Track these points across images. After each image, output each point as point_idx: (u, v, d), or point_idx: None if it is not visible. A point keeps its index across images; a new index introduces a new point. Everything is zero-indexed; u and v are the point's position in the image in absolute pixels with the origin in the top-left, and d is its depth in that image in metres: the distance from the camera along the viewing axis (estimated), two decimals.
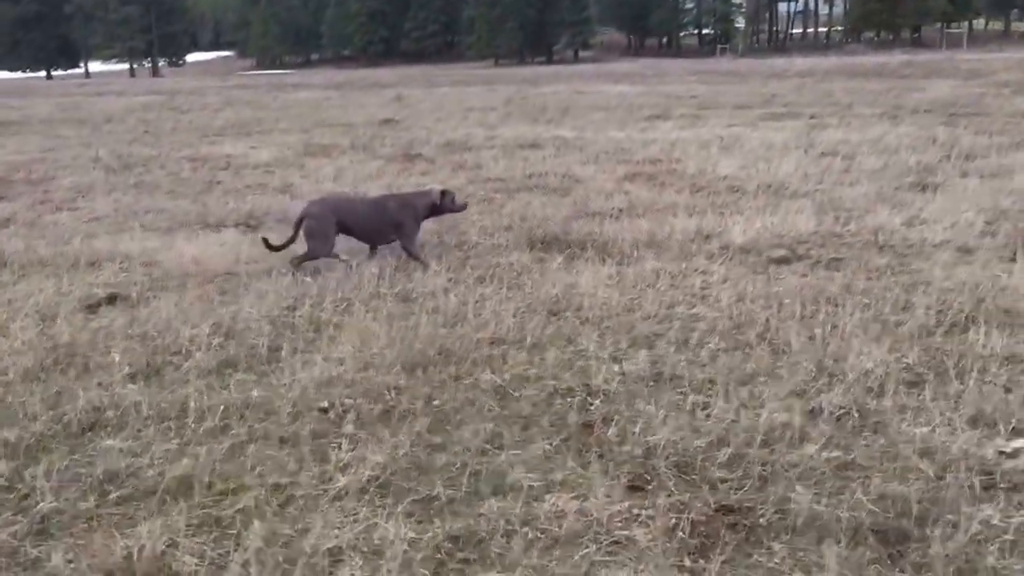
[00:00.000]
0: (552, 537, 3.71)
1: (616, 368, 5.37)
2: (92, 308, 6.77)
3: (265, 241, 7.82)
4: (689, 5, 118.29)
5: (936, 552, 3.50)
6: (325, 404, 4.95)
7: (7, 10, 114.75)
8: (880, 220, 9.06)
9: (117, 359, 5.57)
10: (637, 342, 5.82)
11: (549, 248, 8.35)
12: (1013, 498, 3.90)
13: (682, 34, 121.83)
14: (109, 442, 4.56)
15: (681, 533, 3.69)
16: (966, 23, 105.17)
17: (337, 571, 3.51)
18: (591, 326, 6.15)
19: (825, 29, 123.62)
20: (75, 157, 16.95)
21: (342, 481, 4.15)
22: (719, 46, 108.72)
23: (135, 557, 3.54)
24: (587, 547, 3.63)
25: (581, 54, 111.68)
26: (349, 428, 4.67)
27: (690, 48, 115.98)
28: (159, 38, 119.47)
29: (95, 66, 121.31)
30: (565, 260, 7.88)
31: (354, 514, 3.89)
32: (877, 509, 3.81)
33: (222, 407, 4.88)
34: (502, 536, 3.71)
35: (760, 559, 3.55)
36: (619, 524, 3.78)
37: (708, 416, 4.71)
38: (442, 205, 8.07)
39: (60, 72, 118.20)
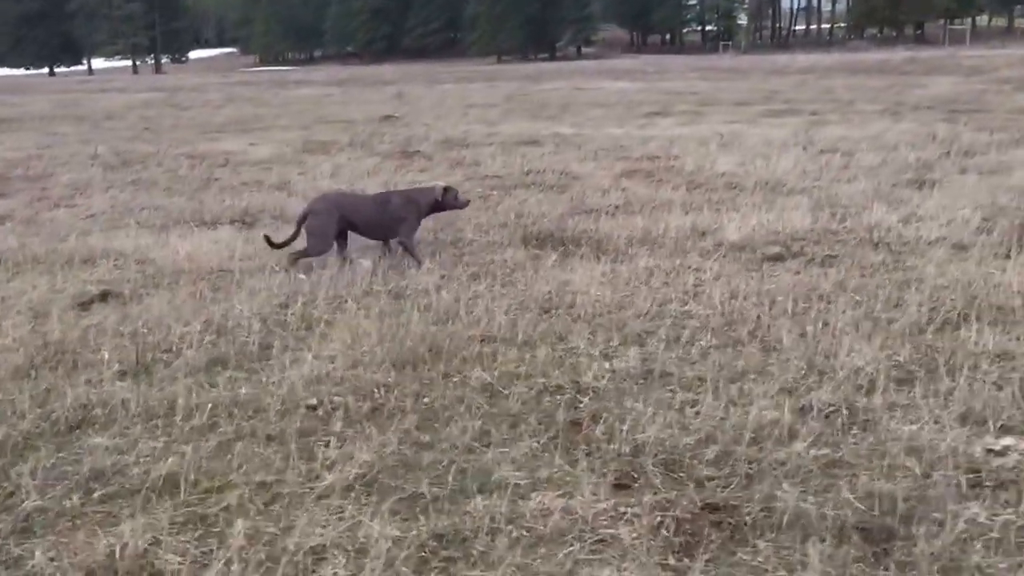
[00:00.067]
0: (537, 535, 3.69)
1: (607, 365, 5.36)
2: (85, 305, 6.76)
3: (267, 238, 7.81)
4: (692, 2, 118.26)
5: (921, 550, 3.48)
6: (314, 401, 4.95)
7: (10, 7, 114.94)
8: (876, 217, 9.03)
9: (107, 356, 5.56)
10: (628, 339, 5.81)
11: (544, 245, 8.34)
12: (1000, 496, 3.88)
13: (685, 30, 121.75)
14: (96, 440, 4.54)
15: (665, 531, 3.67)
16: (969, 19, 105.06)
17: (320, 569, 3.50)
18: (583, 323, 6.13)
19: (828, 25, 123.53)
20: (73, 154, 16.95)
21: (328, 479, 4.13)
22: (722, 43, 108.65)
23: (117, 555, 3.53)
24: (571, 545, 3.61)
25: (584, 51, 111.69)
26: (337, 426, 4.66)
27: (693, 45, 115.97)
28: (162, 35, 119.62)
29: (98, 63, 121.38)
30: (559, 257, 7.87)
31: (339, 512, 3.87)
32: (863, 507, 3.80)
33: (210, 405, 4.87)
34: (486, 534, 3.69)
35: (744, 557, 3.53)
36: (604, 522, 3.77)
37: (697, 414, 4.70)
38: (444, 202, 8.06)
39: (63, 69, 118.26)
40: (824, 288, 6.69)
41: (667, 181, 11.80)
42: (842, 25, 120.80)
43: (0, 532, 3.76)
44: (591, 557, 3.55)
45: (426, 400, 4.97)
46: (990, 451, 4.27)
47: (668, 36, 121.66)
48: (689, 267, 7.45)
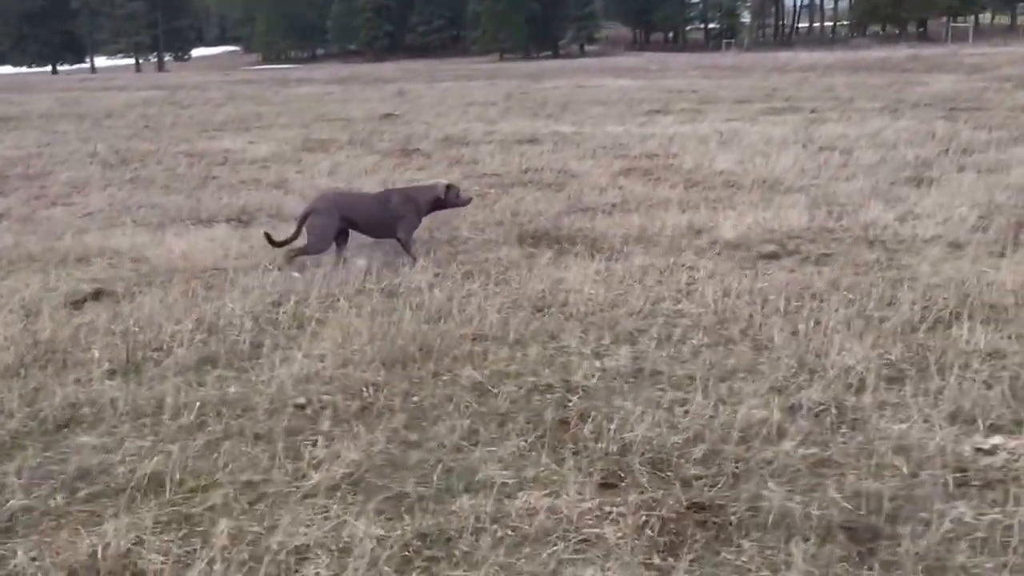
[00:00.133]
0: (521, 535, 3.68)
1: (597, 364, 5.35)
2: (77, 304, 6.75)
3: (267, 236, 7.80)
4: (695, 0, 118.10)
5: (906, 550, 3.47)
6: (302, 400, 4.94)
7: (13, 5, 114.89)
8: (873, 215, 9.01)
9: (97, 355, 5.56)
10: (620, 338, 5.80)
11: (539, 243, 8.33)
12: (987, 495, 3.87)
13: (688, 28, 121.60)
14: (83, 439, 4.54)
15: (650, 531, 3.66)
16: (972, 17, 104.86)
17: (303, 569, 3.49)
18: (575, 322, 6.13)
19: (831, 23, 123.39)
20: (73, 152, 16.93)
21: (315, 478, 4.13)
22: (724, 40, 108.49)
23: (100, 555, 3.52)
24: (555, 545, 3.60)
25: (587, 48, 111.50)
26: (325, 425, 4.66)
27: (696, 43, 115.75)
28: (165, 33, 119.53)
29: (101, 61, 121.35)
30: (554, 255, 7.86)
31: (324, 512, 3.86)
32: (850, 506, 3.79)
33: (198, 404, 4.86)
34: (471, 534, 3.68)
35: (729, 557, 3.52)
36: (589, 522, 3.76)
37: (686, 413, 4.69)
38: (447, 199, 8.05)
39: (66, 67, 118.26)
40: (817, 286, 6.67)
41: (665, 179, 11.78)
42: (845, 23, 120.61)
43: None
44: (575, 557, 3.54)
45: (415, 399, 4.96)
46: (979, 450, 4.26)
47: (671, 34, 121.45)
48: (683, 265, 7.44)
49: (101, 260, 8.08)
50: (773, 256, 7.68)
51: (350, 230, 7.91)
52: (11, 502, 3.95)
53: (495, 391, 5.02)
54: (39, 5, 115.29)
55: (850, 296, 6.44)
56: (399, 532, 3.69)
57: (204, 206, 10.72)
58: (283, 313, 6.42)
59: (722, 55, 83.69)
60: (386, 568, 3.47)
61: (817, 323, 5.85)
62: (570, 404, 4.85)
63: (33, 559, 3.54)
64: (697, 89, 30.67)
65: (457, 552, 3.57)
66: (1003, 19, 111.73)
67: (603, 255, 7.83)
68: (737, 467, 4.15)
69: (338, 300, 6.67)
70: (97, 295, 6.96)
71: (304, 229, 7.73)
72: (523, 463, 4.26)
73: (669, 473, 4.13)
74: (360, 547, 3.57)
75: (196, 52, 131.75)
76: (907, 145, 14.05)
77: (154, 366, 5.50)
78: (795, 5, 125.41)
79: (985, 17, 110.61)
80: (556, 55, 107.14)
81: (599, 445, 4.38)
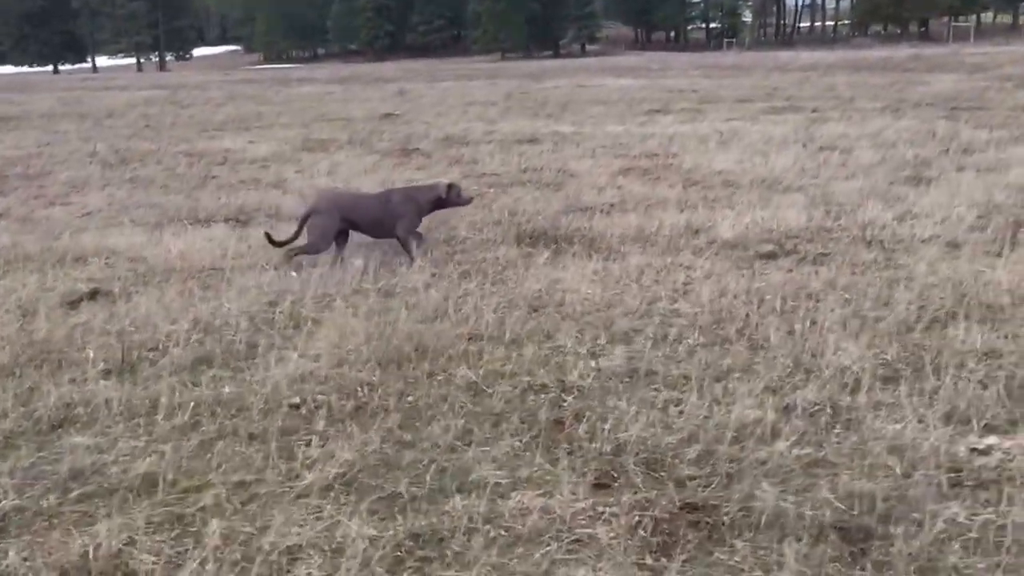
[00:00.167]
0: (514, 535, 3.68)
1: (592, 364, 5.35)
2: (73, 304, 6.75)
3: (268, 236, 7.80)
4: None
5: (899, 550, 3.47)
6: (297, 400, 4.94)
7: (14, 5, 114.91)
8: (871, 215, 9.00)
9: (91, 355, 5.55)
10: (615, 338, 5.79)
11: (536, 243, 8.32)
12: (980, 495, 3.87)
13: (689, 28, 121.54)
14: (77, 439, 4.54)
15: (643, 531, 3.66)
16: (974, 16, 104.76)
17: (295, 569, 3.49)
18: (571, 321, 6.12)
19: (832, 23, 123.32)
20: (72, 152, 16.93)
21: (308, 478, 4.12)
22: (726, 40, 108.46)
23: (91, 555, 3.52)
24: (548, 545, 3.60)
25: (588, 48, 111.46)
26: (320, 425, 4.65)
27: (697, 42, 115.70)
28: (166, 33, 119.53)
29: (102, 61, 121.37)
30: (551, 255, 7.84)
31: (317, 512, 3.86)
32: (843, 507, 3.78)
33: (192, 404, 4.86)
34: (464, 534, 3.68)
35: (721, 557, 3.52)
36: (582, 522, 3.75)
37: (681, 413, 4.68)
38: (448, 199, 8.04)
39: (67, 67, 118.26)
40: (814, 286, 6.66)
41: (664, 179, 11.78)
42: (846, 22, 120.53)
43: None
44: (567, 557, 3.54)
45: (410, 399, 4.96)
46: (974, 450, 4.25)
47: (672, 33, 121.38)
48: (681, 265, 7.43)
49: (98, 260, 8.08)
50: (770, 256, 7.67)
51: (351, 231, 7.91)
52: (3, 502, 3.96)
53: (490, 391, 5.02)
54: (40, 5, 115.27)
55: (847, 296, 6.43)
56: (392, 532, 3.69)
57: (202, 206, 10.72)
58: (279, 313, 6.41)
59: (723, 54, 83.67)
60: (378, 568, 3.47)
61: (813, 323, 5.85)
62: (565, 404, 4.85)
63: (25, 559, 3.54)
64: (698, 88, 30.65)
65: (449, 552, 3.57)
66: (1005, 18, 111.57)
67: (600, 255, 7.83)
68: (731, 467, 4.14)
69: (334, 300, 6.66)
70: (93, 295, 6.96)
71: (305, 229, 7.73)
72: (517, 463, 4.25)
73: (663, 473, 4.13)
74: (352, 547, 3.57)
75: (197, 52, 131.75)
76: (907, 145, 14.03)
77: (149, 366, 5.50)
78: (796, 4, 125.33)
79: (987, 16, 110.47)
80: (557, 55, 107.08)
81: (593, 445, 4.37)
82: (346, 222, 7.82)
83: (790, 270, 7.19)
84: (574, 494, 3.95)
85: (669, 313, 6.26)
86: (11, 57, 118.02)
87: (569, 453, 4.32)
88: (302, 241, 7.72)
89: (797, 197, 10.12)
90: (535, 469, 4.19)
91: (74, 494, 4.03)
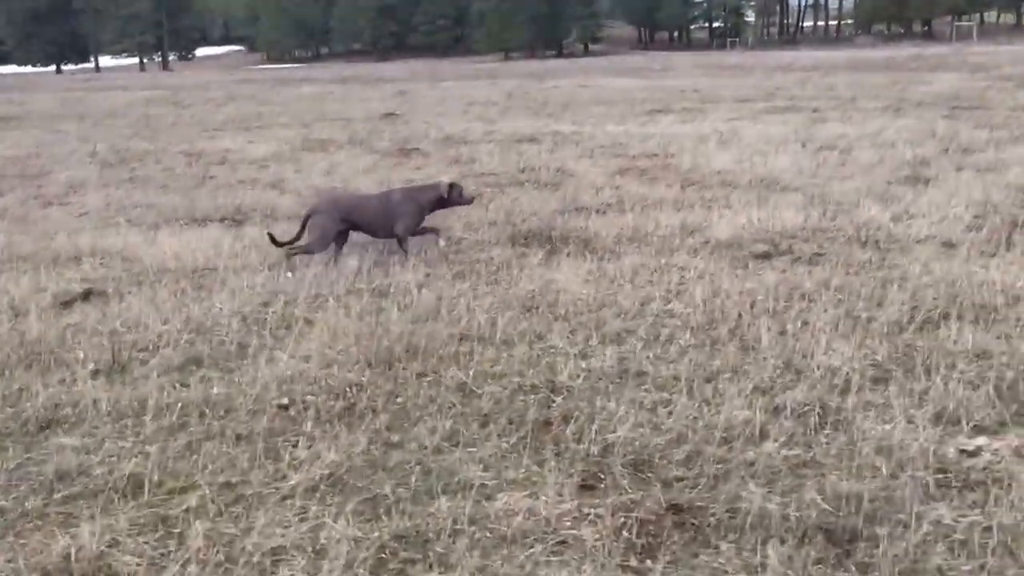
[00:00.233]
0: (499, 536, 3.67)
1: (583, 365, 5.33)
2: (66, 304, 6.75)
3: (271, 237, 7.80)
4: None
5: (883, 552, 3.45)
6: (286, 401, 4.93)
7: (19, 4, 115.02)
8: (868, 215, 8.98)
9: (81, 356, 5.55)
10: (607, 338, 5.77)
11: (531, 243, 8.30)
12: (967, 496, 3.85)
13: (693, 27, 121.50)
14: (64, 440, 4.53)
15: (627, 533, 3.64)
16: (978, 15, 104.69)
17: (278, 571, 3.48)
18: (563, 322, 6.10)
19: (836, 22, 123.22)
20: (72, 152, 16.96)
21: (294, 479, 4.11)
22: (729, 40, 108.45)
23: (73, 557, 3.51)
24: (533, 547, 3.58)
25: (591, 48, 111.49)
26: (308, 426, 4.64)
27: (700, 42, 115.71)
28: (169, 33, 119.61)
29: (106, 61, 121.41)
30: (546, 255, 7.83)
31: (302, 513, 3.85)
32: (830, 508, 3.76)
33: (180, 405, 4.85)
34: (448, 535, 3.66)
35: (706, 559, 3.50)
36: (567, 523, 3.74)
37: (670, 413, 4.67)
38: (450, 198, 8.03)
39: (71, 67, 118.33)
40: (807, 287, 6.64)
41: (662, 179, 11.76)
42: (850, 22, 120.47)
43: None
44: (551, 559, 3.52)
45: (399, 400, 4.95)
46: (962, 451, 4.23)
47: (676, 33, 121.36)
48: (675, 265, 7.41)
49: (93, 260, 8.08)
50: (765, 256, 7.65)
51: (351, 231, 7.91)
52: None
53: (479, 392, 5.00)
54: (45, 4, 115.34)
55: (840, 296, 6.41)
56: (376, 534, 3.68)
57: (199, 206, 10.72)
58: (272, 313, 6.40)
59: (726, 54, 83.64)
60: (361, 570, 3.46)
61: (805, 323, 5.83)
62: (554, 405, 4.84)
63: (8, 561, 3.53)
64: (699, 88, 30.65)
65: (433, 554, 3.56)
66: (1008, 18, 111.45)
67: (595, 255, 7.82)
68: (718, 468, 4.12)
69: (328, 300, 6.65)
70: (87, 295, 6.95)
71: (307, 229, 7.75)
72: (504, 464, 4.24)
73: (650, 474, 4.11)
74: (336, 549, 3.56)
75: (200, 52, 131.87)
76: (907, 144, 14.00)
77: (140, 366, 5.49)
78: (800, 4, 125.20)
79: (990, 16, 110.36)
80: (560, 54, 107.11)
81: (581, 446, 4.36)
82: (347, 222, 7.83)
83: (784, 270, 7.17)
84: (560, 495, 3.93)
85: (662, 314, 6.24)
86: (15, 57, 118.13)
87: (556, 454, 4.31)
88: (303, 241, 7.72)
89: (795, 197, 10.10)
90: (522, 470, 4.18)
91: (59, 495, 4.02)
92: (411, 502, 3.92)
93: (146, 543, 3.64)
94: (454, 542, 3.62)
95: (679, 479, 4.07)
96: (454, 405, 4.85)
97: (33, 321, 6.20)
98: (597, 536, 3.64)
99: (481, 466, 4.21)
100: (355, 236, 7.98)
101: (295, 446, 4.44)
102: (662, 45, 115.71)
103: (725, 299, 6.43)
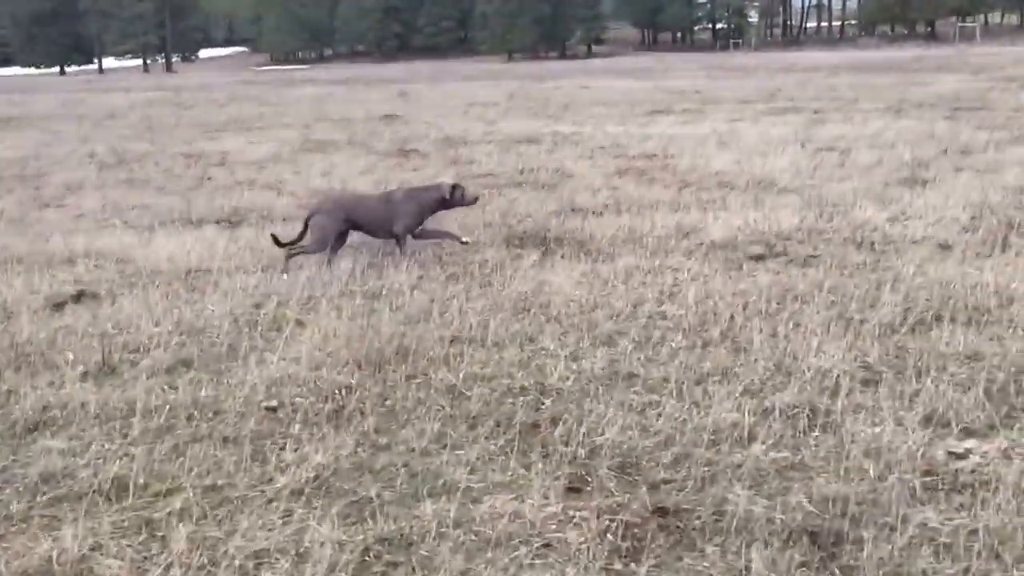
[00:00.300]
0: (484, 539, 3.65)
1: (573, 367, 5.32)
2: (58, 306, 6.73)
3: (273, 237, 7.80)
4: (703, 0, 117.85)
5: (868, 555, 3.43)
6: (274, 403, 4.91)
7: (22, 6, 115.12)
8: (865, 216, 8.97)
9: (71, 358, 5.54)
10: (598, 340, 5.76)
11: (526, 245, 8.28)
12: (954, 499, 3.83)
13: (696, 28, 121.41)
14: (51, 442, 4.51)
15: (612, 536, 3.63)
16: (981, 16, 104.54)
17: (260, 574, 3.46)
18: (555, 324, 6.09)
19: (840, 23, 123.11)
20: (71, 153, 16.97)
21: (280, 482, 4.10)
22: (732, 41, 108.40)
23: (55, 560, 3.49)
24: (518, 550, 3.57)
25: (595, 49, 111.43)
26: (295, 428, 4.62)
27: (704, 43, 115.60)
28: (172, 34, 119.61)
29: (109, 62, 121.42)
30: (540, 257, 7.81)
31: (287, 516, 3.84)
32: (816, 511, 3.75)
33: (168, 407, 4.84)
34: (433, 538, 3.65)
35: (690, 562, 3.49)
36: (553, 526, 3.72)
37: (659, 416, 4.65)
38: (452, 199, 8.02)
39: (75, 68, 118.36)
40: (801, 288, 6.62)
41: (660, 180, 11.75)
42: (853, 23, 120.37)
43: None
44: (535, 562, 3.51)
45: (388, 402, 4.93)
46: (951, 453, 4.21)
47: (679, 34, 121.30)
48: (669, 267, 7.39)
49: (87, 262, 8.06)
50: (759, 257, 7.64)
51: (351, 231, 7.91)
52: None
53: (468, 394, 4.99)
54: (48, 6, 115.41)
55: (832, 298, 6.39)
56: (360, 537, 3.66)
57: (196, 207, 10.71)
58: (264, 315, 6.39)
59: (730, 55, 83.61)
60: (343, 573, 3.44)
61: (797, 325, 5.81)
62: (543, 407, 4.82)
63: None
64: (700, 89, 30.65)
65: (416, 557, 3.54)
66: (1012, 18, 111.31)
67: (590, 257, 7.81)
68: (706, 471, 4.10)
69: (320, 302, 6.64)
70: (79, 297, 6.93)
71: (308, 229, 7.75)
72: (490, 467, 4.22)
73: (637, 477, 4.10)
74: (319, 552, 3.54)
75: (204, 53, 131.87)
76: (906, 145, 13.98)
77: (130, 368, 5.48)
78: (803, 5, 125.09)
79: (994, 17, 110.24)
80: (564, 56, 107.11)
81: (568, 448, 4.34)
82: (349, 222, 7.83)
83: (778, 272, 7.15)
84: (545, 498, 3.92)
85: (654, 315, 6.22)
86: (19, 58, 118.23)
87: (544, 456, 4.30)
88: (305, 241, 7.73)
89: (791, 198, 10.10)
90: (508, 473, 4.16)
91: (44, 498, 4.01)
92: (396, 505, 3.91)
93: (129, 546, 3.63)
94: (438, 545, 3.60)
95: (666, 481, 4.05)
96: (443, 407, 4.84)
97: (24, 323, 6.19)
98: (582, 539, 3.62)
99: (468, 468, 4.19)
100: (352, 237, 7.96)
101: (282, 448, 4.42)
102: (665, 46, 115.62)
103: (718, 301, 6.41)
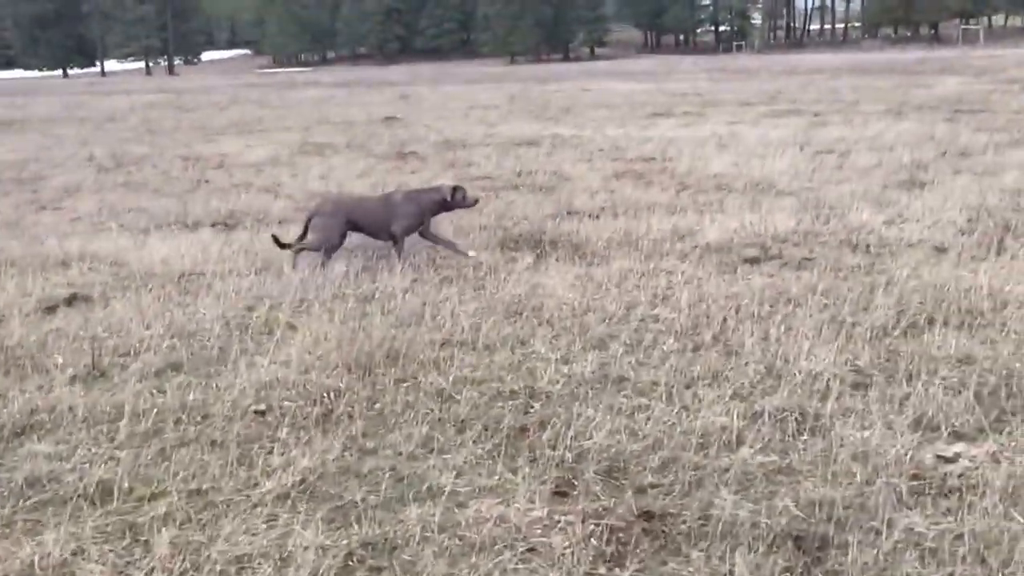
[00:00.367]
0: (468, 544, 3.64)
1: (564, 370, 5.30)
2: (50, 309, 6.71)
3: (274, 238, 7.79)
4: (706, 2, 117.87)
5: (853, 559, 3.42)
6: (263, 407, 4.90)
7: (25, 8, 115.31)
8: (861, 219, 8.95)
9: (60, 361, 5.53)
10: (590, 343, 5.74)
11: (521, 248, 8.27)
12: (941, 504, 3.81)
13: (699, 30, 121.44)
14: (38, 446, 4.50)
15: (596, 540, 3.61)
16: (985, 19, 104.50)
17: None
18: (547, 327, 6.07)
19: (843, 25, 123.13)
20: (70, 156, 16.99)
21: (266, 486, 4.08)
22: (735, 43, 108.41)
23: (37, 565, 3.48)
24: (502, 555, 3.55)
25: (597, 51, 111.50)
26: (283, 432, 4.61)
27: (707, 45, 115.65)
28: (175, 37, 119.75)
29: (111, 65, 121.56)
30: (535, 260, 7.79)
31: (271, 520, 3.82)
32: (802, 515, 3.73)
33: (156, 410, 4.82)
34: (417, 543, 3.63)
35: (675, 567, 3.47)
36: (538, 531, 3.71)
37: (648, 419, 4.63)
38: (453, 201, 8.01)
39: (77, 71, 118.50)
40: (794, 291, 6.60)
41: (657, 183, 11.74)
42: (856, 25, 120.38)
43: None
44: (519, 566, 3.49)
45: (377, 405, 4.91)
46: (939, 457, 4.20)
47: (682, 37, 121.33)
48: (663, 270, 7.37)
49: (81, 265, 8.04)
50: (754, 260, 7.62)
51: (351, 233, 7.91)
52: None
53: (457, 398, 4.97)
54: (51, 8, 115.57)
55: (826, 301, 6.37)
56: (344, 541, 3.65)
57: (192, 210, 10.70)
58: (255, 318, 6.38)
59: (733, 57, 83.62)
60: None
61: (789, 328, 5.79)
62: (532, 411, 4.81)
63: None
64: (702, 92, 30.65)
65: (399, 562, 3.52)
66: (1015, 21, 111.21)
67: (584, 260, 7.79)
68: (693, 475, 4.09)
69: (312, 305, 6.63)
70: (71, 300, 6.92)
71: (310, 229, 7.77)
72: (477, 471, 4.21)
73: (624, 481, 4.08)
74: (303, 556, 3.53)
75: (206, 55, 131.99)
76: (905, 148, 13.96)
77: (119, 372, 5.46)
78: (807, 7, 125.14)
79: (998, 19, 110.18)
80: (567, 58, 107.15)
81: (555, 452, 4.33)
82: (349, 223, 7.83)
83: (772, 275, 7.13)
84: (532, 502, 3.90)
85: (647, 318, 6.20)
86: (21, 60, 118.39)
87: (531, 461, 4.28)
88: (306, 242, 7.73)
89: (789, 201, 10.09)
90: (495, 477, 4.15)
91: (28, 503, 3.99)
92: (381, 509, 3.89)
93: (111, 551, 3.61)
94: (422, 549, 3.59)
95: (653, 486, 4.04)
96: (431, 411, 4.82)
97: (15, 326, 6.18)
98: (566, 543, 3.60)
99: (454, 472, 4.18)
100: (351, 239, 7.95)
101: (269, 452, 4.40)
102: (668, 49, 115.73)
103: (711, 304, 6.40)
